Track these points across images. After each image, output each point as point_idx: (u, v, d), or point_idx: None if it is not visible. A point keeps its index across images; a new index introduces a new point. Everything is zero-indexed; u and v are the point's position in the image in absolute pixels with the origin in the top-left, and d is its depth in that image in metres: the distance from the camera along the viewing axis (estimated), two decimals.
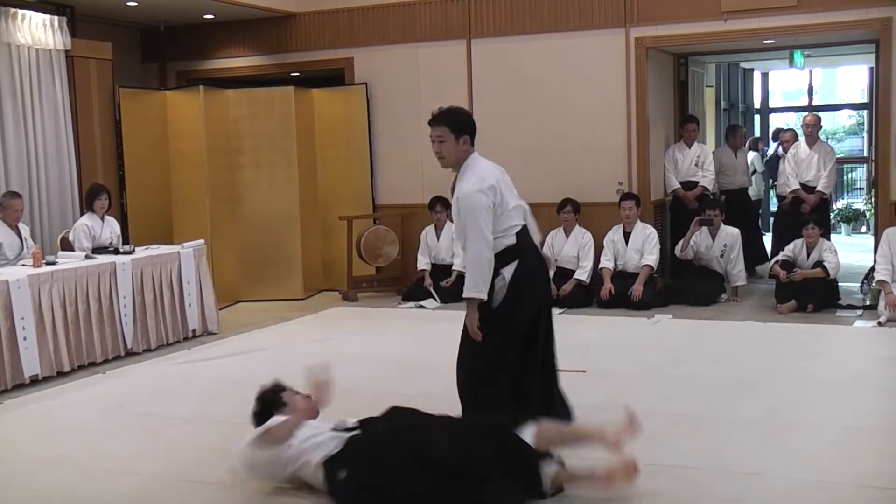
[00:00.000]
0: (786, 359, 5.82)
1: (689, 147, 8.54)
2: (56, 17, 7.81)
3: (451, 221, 8.44)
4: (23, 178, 7.59)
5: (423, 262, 8.51)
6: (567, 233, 8.02)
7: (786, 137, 9.32)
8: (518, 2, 8.35)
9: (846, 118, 18.12)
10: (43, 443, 4.56)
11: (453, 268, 8.35)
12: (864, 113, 14.26)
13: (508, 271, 4.00)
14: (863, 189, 13.81)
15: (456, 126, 4.08)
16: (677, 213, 8.58)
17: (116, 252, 6.78)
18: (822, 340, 6.39)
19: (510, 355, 4.06)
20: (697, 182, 8.49)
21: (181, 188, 8.68)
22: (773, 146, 9.87)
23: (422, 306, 8.12)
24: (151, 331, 6.64)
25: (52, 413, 5.13)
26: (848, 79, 17.75)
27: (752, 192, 9.96)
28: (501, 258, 4.00)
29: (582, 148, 7.99)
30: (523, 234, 4.11)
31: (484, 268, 3.92)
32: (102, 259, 6.45)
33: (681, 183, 8.48)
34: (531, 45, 8.35)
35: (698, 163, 8.52)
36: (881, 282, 6.99)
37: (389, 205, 8.98)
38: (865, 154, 13.74)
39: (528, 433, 3.51)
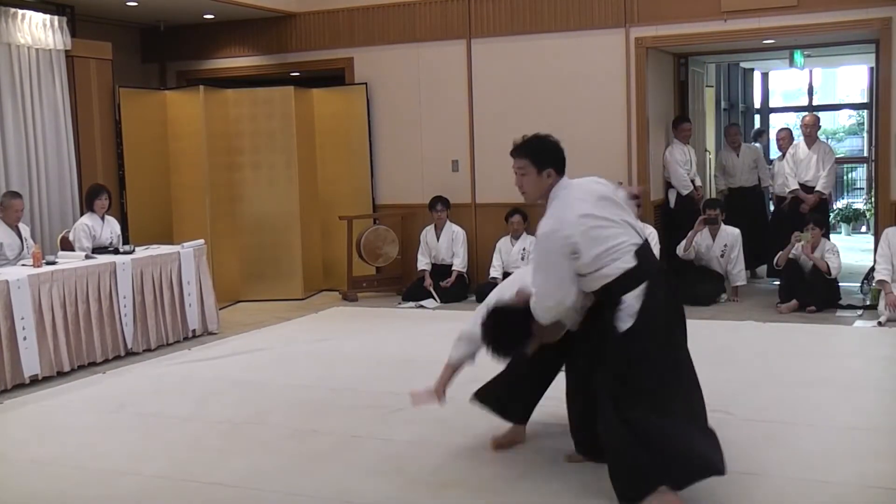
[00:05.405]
0: (786, 359, 5.82)
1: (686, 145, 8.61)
2: (56, 17, 7.81)
3: (451, 224, 8.49)
4: (23, 178, 7.59)
5: (422, 262, 8.52)
6: None
7: (781, 136, 9.33)
8: (518, 2, 8.35)
9: (846, 118, 18.10)
10: (43, 443, 4.56)
11: (453, 268, 8.37)
12: (864, 113, 14.26)
13: (633, 298, 3.47)
14: (863, 189, 13.81)
15: (537, 158, 3.62)
16: (677, 212, 8.58)
17: (116, 252, 6.78)
18: (822, 340, 6.38)
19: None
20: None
21: (181, 188, 8.68)
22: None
23: (422, 306, 8.12)
24: (151, 331, 6.64)
25: (52, 413, 5.12)
26: (848, 79, 17.74)
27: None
28: (621, 284, 3.49)
29: (582, 148, 7.94)
30: (645, 252, 3.57)
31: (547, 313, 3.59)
32: (102, 259, 6.45)
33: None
34: (531, 45, 8.35)
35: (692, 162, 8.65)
36: (881, 282, 6.99)
37: (389, 205, 8.99)
38: (865, 154, 13.75)
39: None
